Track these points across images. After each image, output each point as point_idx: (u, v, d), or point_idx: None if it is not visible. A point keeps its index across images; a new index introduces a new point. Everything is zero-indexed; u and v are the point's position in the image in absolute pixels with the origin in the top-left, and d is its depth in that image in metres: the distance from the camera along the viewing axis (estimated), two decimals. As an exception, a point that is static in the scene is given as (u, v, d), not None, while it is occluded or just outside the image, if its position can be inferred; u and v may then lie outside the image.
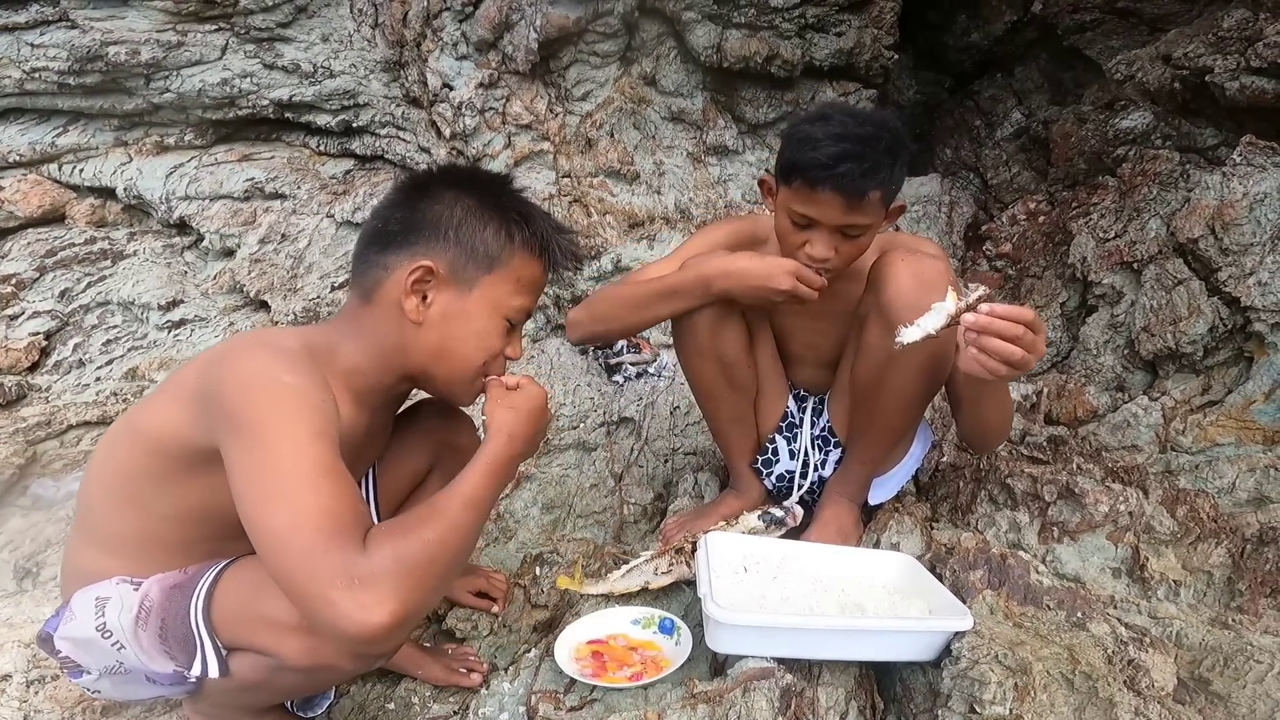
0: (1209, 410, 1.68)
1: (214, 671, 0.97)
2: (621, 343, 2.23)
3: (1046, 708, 1.02)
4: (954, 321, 1.10)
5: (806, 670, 1.16)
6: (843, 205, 1.23)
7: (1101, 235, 2.13)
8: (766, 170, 1.43)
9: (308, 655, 0.93)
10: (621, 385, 2.16)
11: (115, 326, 2.26)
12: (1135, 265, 1.99)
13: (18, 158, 2.36)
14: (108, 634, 1.00)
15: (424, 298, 1.05)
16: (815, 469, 1.60)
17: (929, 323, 1.11)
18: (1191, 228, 1.83)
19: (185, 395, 0.97)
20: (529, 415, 1.10)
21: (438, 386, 1.14)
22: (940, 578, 1.29)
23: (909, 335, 1.12)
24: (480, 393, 1.14)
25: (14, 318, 2.18)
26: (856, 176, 1.20)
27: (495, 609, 1.50)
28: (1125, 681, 1.07)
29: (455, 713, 1.31)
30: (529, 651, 1.32)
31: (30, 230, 2.35)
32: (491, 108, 2.32)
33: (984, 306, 1.06)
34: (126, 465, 1.03)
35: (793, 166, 1.26)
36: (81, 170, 2.40)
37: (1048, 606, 1.20)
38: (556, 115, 2.39)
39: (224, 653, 0.98)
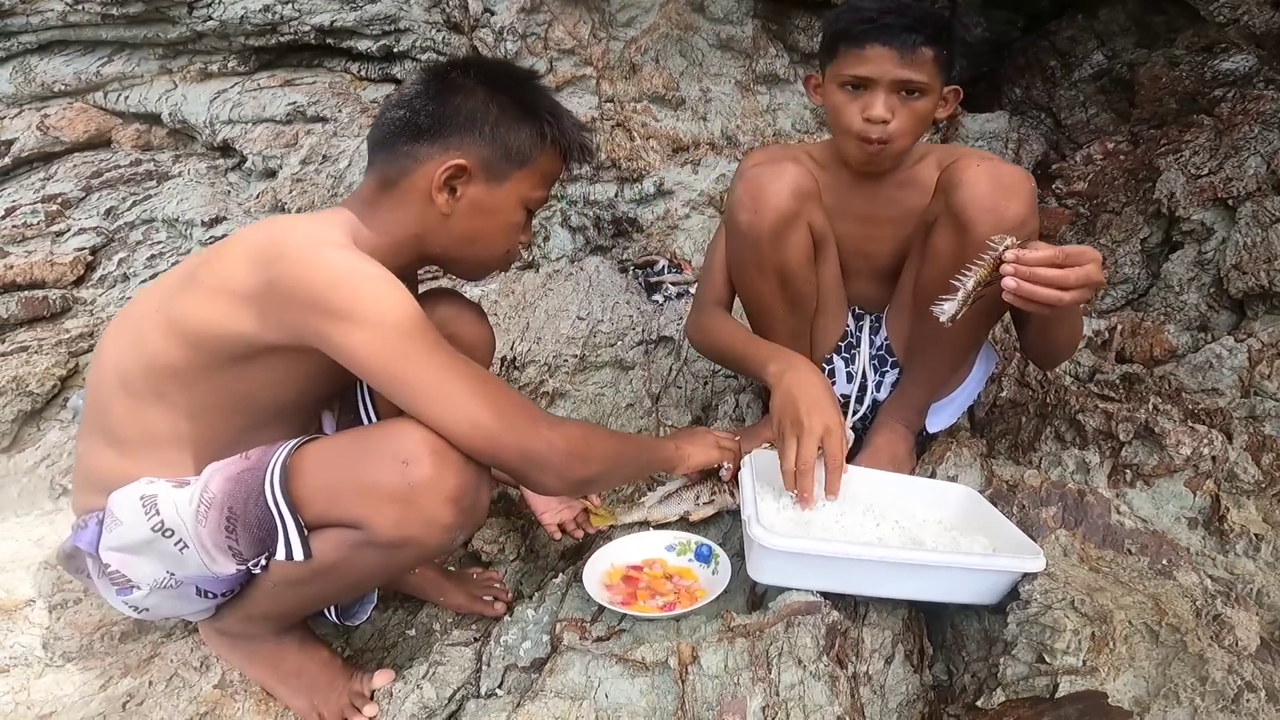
0: (1300, 355, 1.53)
1: (298, 553, 0.93)
2: (663, 262, 2.16)
3: (1126, 661, 0.91)
4: (993, 279, 1.02)
5: (852, 608, 1.08)
6: (895, 58, 1.20)
7: (1193, 172, 1.96)
8: (813, 71, 1.38)
9: (399, 526, 0.92)
10: (661, 305, 2.07)
11: (159, 242, 2.28)
12: (1230, 201, 1.83)
13: (63, 87, 2.37)
14: (168, 533, 0.94)
15: (453, 190, 1.07)
16: (871, 391, 1.49)
17: (965, 287, 1.05)
18: (1297, 162, 1.66)
19: (239, 293, 0.94)
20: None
21: (456, 267, 1.19)
22: (1005, 514, 1.18)
23: (948, 308, 1.06)
24: (494, 272, 1.22)
25: (60, 234, 2.19)
26: (904, 29, 1.19)
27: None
28: (1212, 637, 0.96)
29: (476, 639, 1.24)
30: (556, 578, 1.26)
31: (76, 154, 2.35)
32: (533, 33, 2.24)
33: (1010, 255, 1.00)
34: (157, 359, 0.98)
35: (838, 35, 1.25)
36: (126, 97, 2.40)
37: (1129, 551, 1.08)
38: (600, 40, 2.29)
39: (307, 532, 0.94)
